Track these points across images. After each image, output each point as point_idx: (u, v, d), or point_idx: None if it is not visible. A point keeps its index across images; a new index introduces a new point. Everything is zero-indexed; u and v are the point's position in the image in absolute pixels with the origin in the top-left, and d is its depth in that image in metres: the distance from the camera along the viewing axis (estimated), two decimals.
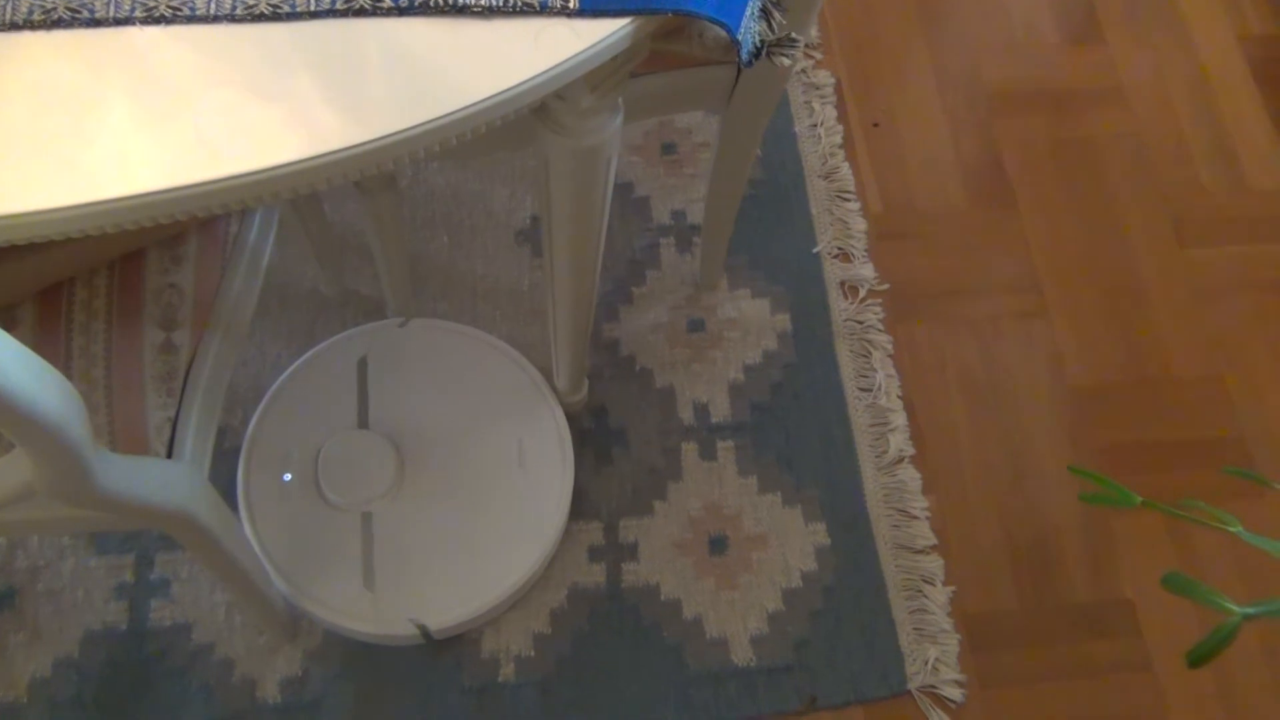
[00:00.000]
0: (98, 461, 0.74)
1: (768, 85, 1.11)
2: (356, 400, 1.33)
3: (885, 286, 1.53)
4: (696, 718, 1.26)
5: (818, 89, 1.68)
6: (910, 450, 1.42)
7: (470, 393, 1.35)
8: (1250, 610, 0.71)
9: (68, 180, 0.60)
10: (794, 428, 1.42)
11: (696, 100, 1.15)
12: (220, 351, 0.92)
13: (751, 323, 1.49)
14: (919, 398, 1.46)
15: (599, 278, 1.08)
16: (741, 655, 1.29)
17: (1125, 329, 1.53)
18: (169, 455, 0.87)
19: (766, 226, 1.56)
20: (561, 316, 1.15)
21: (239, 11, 0.66)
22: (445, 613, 1.24)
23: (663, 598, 1.32)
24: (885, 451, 1.41)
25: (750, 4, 0.71)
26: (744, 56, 0.71)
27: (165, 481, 0.86)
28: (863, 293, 1.52)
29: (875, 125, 1.67)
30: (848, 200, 1.59)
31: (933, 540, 1.37)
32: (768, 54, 0.73)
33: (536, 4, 0.67)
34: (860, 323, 1.50)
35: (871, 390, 1.45)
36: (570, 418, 1.37)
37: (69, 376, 0.86)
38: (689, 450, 1.40)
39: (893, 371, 1.47)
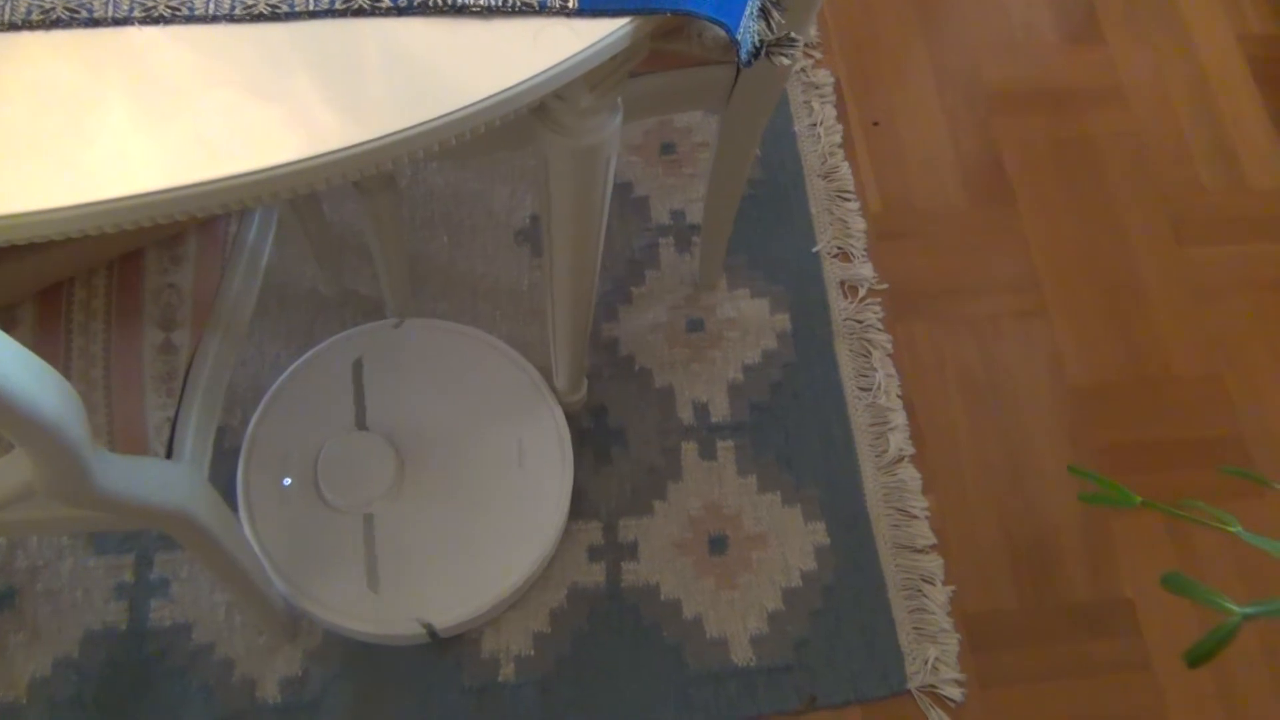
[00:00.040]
0: (97, 461, 0.74)
1: (767, 85, 1.11)
2: (353, 402, 1.33)
3: (885, 286, 1.53)
4: (696, 717, 1.26)
5: (817, 88, 1.68)
6: (910, 450, 1.42)
7: (469, 392, 1.35)
8: (1249, 610, 0.71)
9: (67, 180, 0.60)
10: (793, 427, 1.42)
11: (696, 100, 1.15)
12: (219, 351, 0.92)
13: (751, 322, 1.49)
14: (918, 397, 1.46)
15: (598, 277, 1.08)
16: (741, 655, 1.29)
17: (1125, 328, 1.53)
18: (168, 455, 0.87)
19: (766, 226, 1.56)
20: (561, 316, 1.15)
21: (238, 11, 0.66)
22: (450, 611, 1.24)
23: (662, 597, 1.32)
24: (885, 451, 1.41)
25: (749, 3, 0.71)
26: (743, 56, 0.71)
27: (164, 481, 0.86)
28: (862, 292, 1.52)
29: (875, 124, 1.67)
30: (847, 200, 1.59)
31: (932, 540, 1.37)
32: (767, 53, 0.73)
33: (535, 4, 0.67)
34: (860, 322, 1.50)
35: (871, 390, 1.45)
36: (569, 417, 1.37)
37: (68, 376, 0.85)
38: (688, 450, 1.40)
39: (892, 371, 1.47)
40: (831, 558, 1.35)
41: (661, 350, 1.46)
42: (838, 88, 1.69)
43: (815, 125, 1.64)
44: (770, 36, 0.72)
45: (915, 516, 1.38)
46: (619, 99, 0.83)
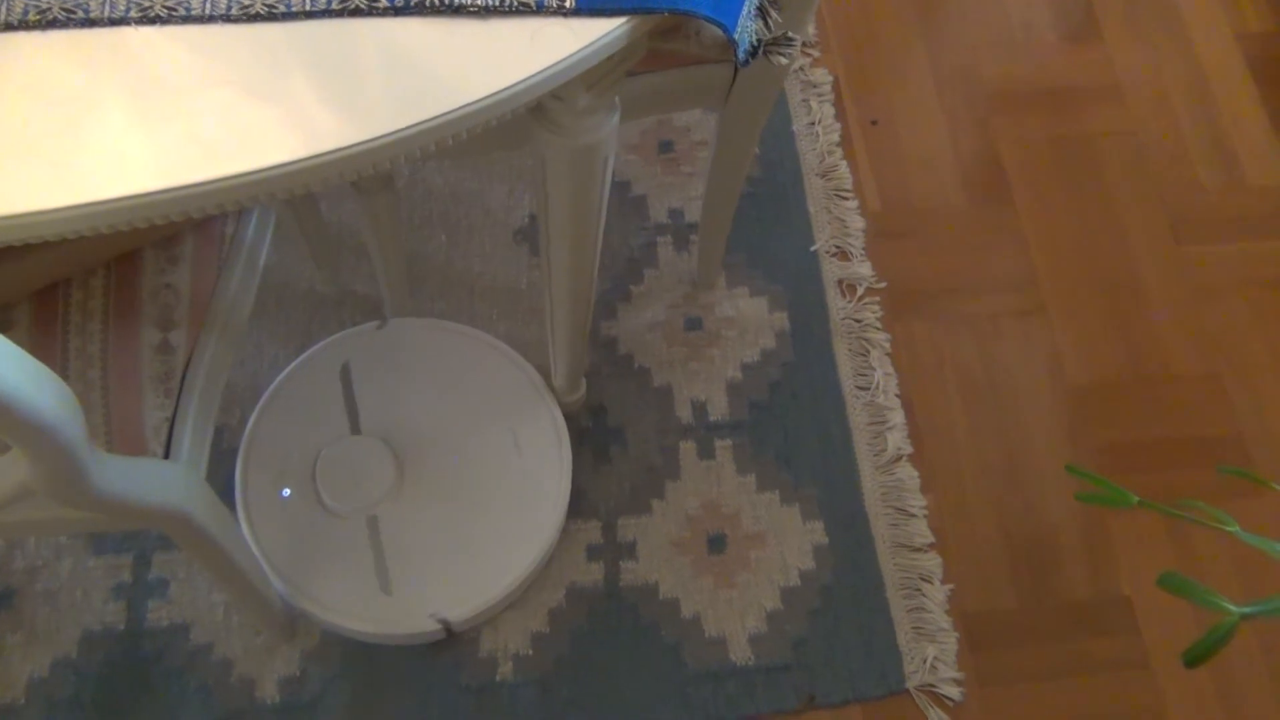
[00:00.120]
0: (94, 462, 0.74)
1: (765, 84, 1.11)
2: (345, 407, 1.33)
3: (883, 285, 1.53)
4: (695, 717, 1.26)
5: (815, 87, 1.68)
6: (908, 449, 1.42)
7: (468, 392, 1.35)
8: (1247, 610, 0.71)
9: (64, 181, 0.60)
10: (792, 426, 1.42)
11: (694, 99, 1.15)
12: (217, 352, 0.92)
13: (749, 321, 1.49)
14: (917, 396, 1.46)
15: (597, 276, 1.08)
16: (740, 654, 1.29)
17: (1124, 327, 1.53)
18: (166, 456, 0.87)
19: (764, 225, 1.56)
20: (559, 315, 1.15)
21: (234, 11, 0.65)
22: (462, 605, 1.24)
23: (661, 597, 1.32)
24: (883, 450, 1.41)
25: (747, 3, 0.71)
26: (741, 55, 0.71)
27: (162, 482, 0.86)
28: (860, 291, 1.52)
29: (873, 123, 1.67)
30: (845, 198, 1.59)
31: (931, 539, 1.37)
32: (764, 52, 0.72)
33: (533, 3, 0.67)
34: (858, 321, 1.50)
35: (869, 389, 1.45)
36: (568, 417, 1.36)
37: (65, 377, 0.85)
38: (687, 449, 1.40)
39: (891, 370, 1.47)
40: (830, 557, 1.35)
41: (660, 349, 1.46)
42: (836, 86, 1.69)
43: (814, 124, 1.64)
44: (768, 35, 0.72)
45: (913, 515, 1.38)
46: (616, 98, 0.83)
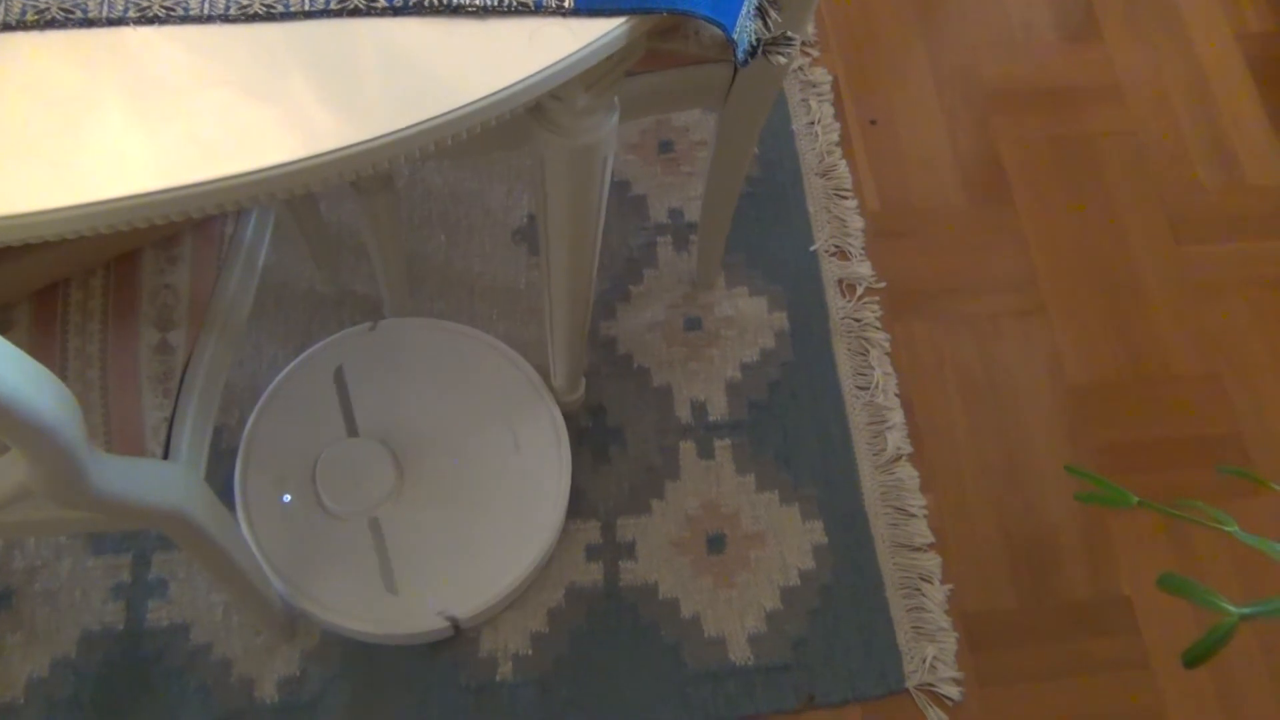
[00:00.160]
0: (93, 463, 0.74)
1: (764, 83, 1.11)
2: (340, 410, 1.33)
3: (883, 284, 1.53)
4: (694, 716, 1.26)
5: (815, 87, 1.68)
6: (908, 448, 1.42)
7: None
8: (1247, 610, 0.71)
9: (62, 181, 0.60)
10: (791, 426, 1.42)
11: (693, 98, 1.15)
12: (216, 352, 0.92)
13: (749, 321, 1.49)
14: (916, 396, 1.46)
15: (596, 276, 1.08)
16: (739, 654, 1.29)
17: (1123, 327, 1.53)
18: (165, 456, 0.87)
19: (764, 224, 1.56)
20: (558, 315, 1.15)
21: (233, 11, 0.65)
22: (468, 602, 1.24)
23: (660, 597, 1.32)
24: (883, 449, 1.41)
25: (746, 2, 0.71)
26: (740, 55, 0.71)
27: (161, 482, 0.86)
28: (860, 291, 1.52)
29: (872, 123, 1.67)
30: (845, 198, 1.59)
31: (930, 538, 1.37)
32: (764, 52, 0.72)
33: (531, 3, 0.67)
34: (858, 321, 1.50)
35: (869, 388, 1.45)
36: (567, 416, 1.36)
37: (64, 377, 0.85)
38: (686, 449, 1.40)
39: (890, 369, 1.47)
40: (829, 556, 1.35)
41: (659, 349, 1.46)
42: (835, 86, 1.69)
43: (813, 124, 1.64)
44: (767, 35, 0.72)
45: (913, 515, 1.38)
46: (615, 98, 0.83)
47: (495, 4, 0.66)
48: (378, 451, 1.30)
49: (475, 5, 0.66)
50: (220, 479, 1.30)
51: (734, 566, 1.34)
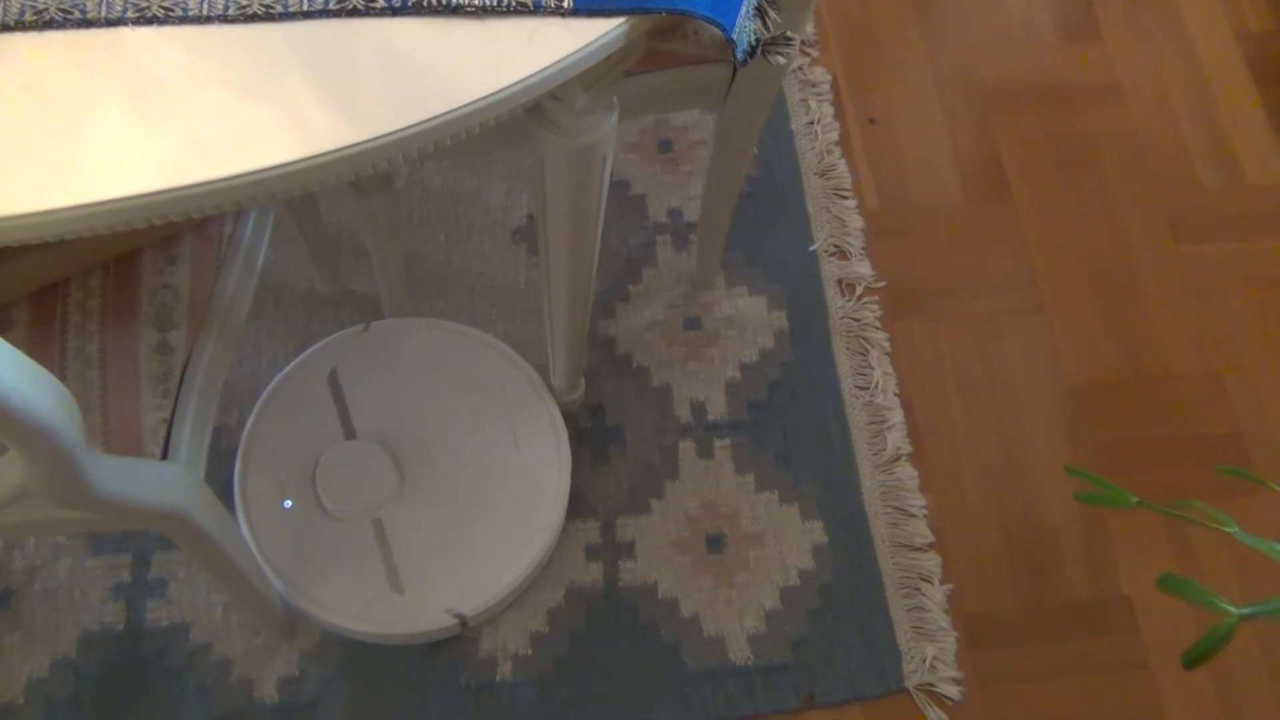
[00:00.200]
0: (92, 464, 0.74)
1: (764, 83, 1.11)
2: (337, 413, 1.32)
3: (882, 284, 1.53)
4: (694, 716, 1.26)
5: (814, 86, 1.68)
6: (908, 448, 1.42)
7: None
8: (1246, 611, 0.71)
9: (62, 182, 0.60)
10: (791, 426, 1.42)
11: (692, 98, 1.15)
12: (216, 352, 0.92)
13: (748, 320, 1.49)
14: (916, 395, 1.46)
15: (595, 275, 1.08)
16: (739, 654, 1.29)
17: (1123, 326, 1.53)
18: (164, 456, 0.87)
19: (763, 224, 1.56)
20: (558, 315, 1.15)
21: (232, 12, 0.65)
22: (472, 600, 1.24)
23: (660, 596, 1.32)
24: (883, 449, 1.41)
25: (745, 2, 0.71)
26: (739, 55, 0.71)
27: (160, 483, 0.86)
28: (859, 290, 1.52)
29: (872, 122, 1.66)
30: (844, 198, 1.59)
31: (930, 538, 1.37)
32: (763, 52, 0.72)
33: (530, 3, 0.67)
34: (857, 320, 1.50)
35: (869, 388, 1.45)
36: (567, 416, 1.36)
37: (63, 378, 0.85)
38: (686, 448, 1.40)
39: (890, 369, 1.47)
40: (829, 556, 1.35)
41: (659, 349, 1.46)
42: (835, 86, 1.69)
43: (812, 123, 1.64)
44: (766, 35, 0.72)
45: (913, 515, 1.38)
46: (614, 98, 0.83)
47: (494, 4, 0.66)
48: (376, 454, 1.30)
49: (474, 5, 0.66)
50: (220, 479, 1.30)
51: (733, 566, 1.34)
